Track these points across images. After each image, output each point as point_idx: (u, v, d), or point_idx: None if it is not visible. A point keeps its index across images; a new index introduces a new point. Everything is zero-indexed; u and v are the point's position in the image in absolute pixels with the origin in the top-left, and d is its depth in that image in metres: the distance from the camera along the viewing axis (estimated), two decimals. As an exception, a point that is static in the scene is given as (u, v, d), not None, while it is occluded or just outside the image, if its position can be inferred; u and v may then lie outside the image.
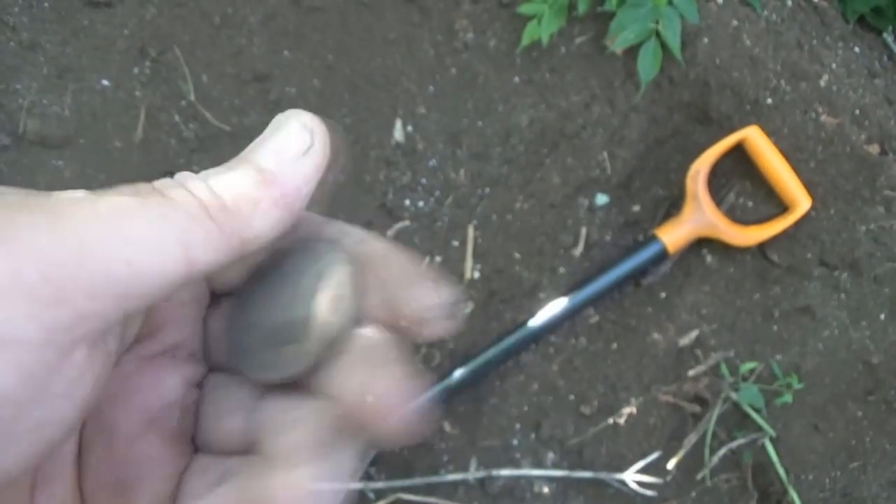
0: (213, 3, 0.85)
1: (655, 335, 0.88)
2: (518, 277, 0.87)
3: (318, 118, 0.26)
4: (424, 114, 0.87)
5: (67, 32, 0.83)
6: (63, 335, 0.20)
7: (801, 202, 0.82)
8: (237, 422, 0.25)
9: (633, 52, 0.82)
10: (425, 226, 0.87)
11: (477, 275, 0.87)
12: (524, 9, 0.83)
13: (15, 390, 0.19)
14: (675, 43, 0.79)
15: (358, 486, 0.83)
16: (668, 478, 0.86)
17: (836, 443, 0.87)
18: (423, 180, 0.87)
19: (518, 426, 0.87)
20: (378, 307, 0.25)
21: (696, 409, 0.87)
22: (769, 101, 0.84)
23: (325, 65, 0.86)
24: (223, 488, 0.23)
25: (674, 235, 0.83)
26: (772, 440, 0.86)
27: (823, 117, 0.84)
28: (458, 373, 0.81)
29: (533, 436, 0.87)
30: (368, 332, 0.25)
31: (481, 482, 0.86)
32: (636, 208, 0.89)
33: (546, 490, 0.86)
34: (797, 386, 0.85)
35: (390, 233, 0.86)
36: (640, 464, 0.85)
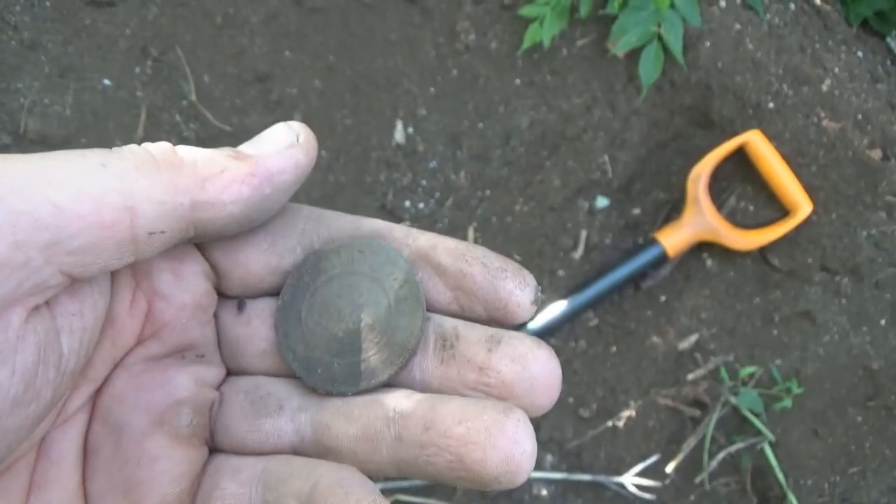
0: (215, 4, 0.85)
1: (655, 339, 0.88)
2: (518, 280, 0.87)
3: (307, 127, 0.26)
4: (425, 115, 0.87)
5: (69, 32, 0.84)
6: None
7: (803, 207, 0.82)
8: (280, 424, 0.25)
9: (634, 55, 0.82)
10: (425, 227, 0.87)
11: (477, 277, 0.87)
12: (526, 11, 0.82)
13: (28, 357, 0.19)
14: (676, 46, 0.79)
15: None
16: (667, 481, 0.86)
17: (836, 448, 0.87)
18: (424, 182, 0.87)
19: (517, 428, 0.87)
20: (452, 301, 0.25)
21: (696, 412, 0.87)
22: (771, 105, 0.84)
23: (326, 65, 0.86)
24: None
25: (674, 239, 0.83)
26: (771, 444, 0.85)
27: (825, 122, 0.84)
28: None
29: (531, 438, 0.87)
30: (450, 324, 0.25)
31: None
32: (636, 211, 0.88)
33: (544, 492, 0.86)
34: (797, 391, 0.85)
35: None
36: (639, 467, 0.85)
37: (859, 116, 0.84)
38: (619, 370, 0.88)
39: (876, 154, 0.84)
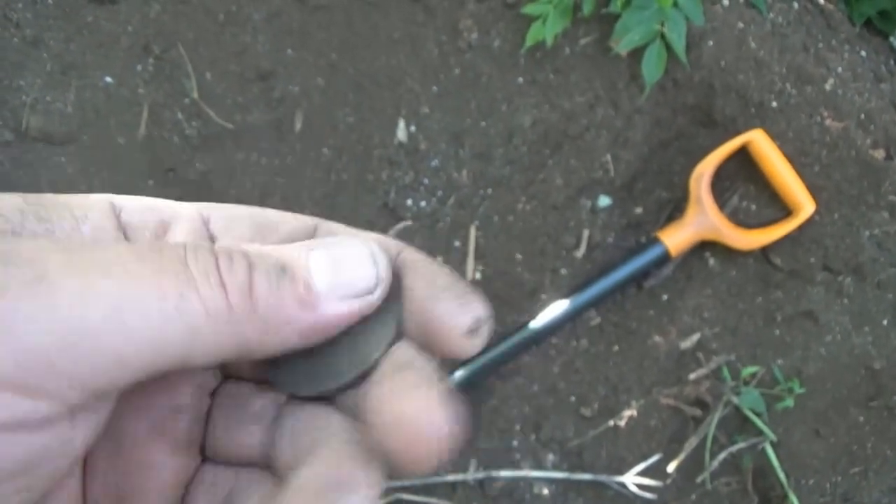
0: (217, 1, 0.85)
1: (657, 338, 0.88)
2: (520, 278, 0.87)
3: (386, 256, 0.23)
4: (428, 113, 0.87)
5: (71, 29, 0.83)
6: (44, 419, 0.18)
7: (805, 206, 0.82)
8: (253, 433, 0.24)
9: (637, 53, 0.82)
10: (427, 226, 0.87)
11: (478, 276, 0.87)
12: (529, 9, 0.82)
13: (14, 467, 0.18)
14: (680, 45, 0.79)
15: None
16: (668, 481, 0.86)
17: (838, 448, 0.87)
18: (426, 180, 0.87)
19: (518, 427, 0.87)
20: (410, 321, 0.23)
21: (697, 412, 0.87)
22: (774, 104, 0.83)
23: (328, 63, 0.86)
24: None
25: (676, 238, 0.83)
26: (772, 444, 0.85)
27: (829, 121, 0.83)
28: (459, 374, 0.81)
29: (533, 437, 0.87)
30: (405, 349, 0.22)
31: (481, 483, 0.86)
32: (639, 210, 0.88)
33: (546, 491, 0.86)
34: (799, 390, 0.85)
35: (392, 233, 0.86)
36: (641, 466, 0.85)
37: (862, 116, 0.84)
38: (621, 369, 0.88)
39: (879, 154, 0.84)
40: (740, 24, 0.83)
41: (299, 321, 0.21)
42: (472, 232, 0.87)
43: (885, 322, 0.87)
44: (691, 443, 0.86)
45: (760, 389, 0.85)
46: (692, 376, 0.87)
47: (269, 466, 0.23)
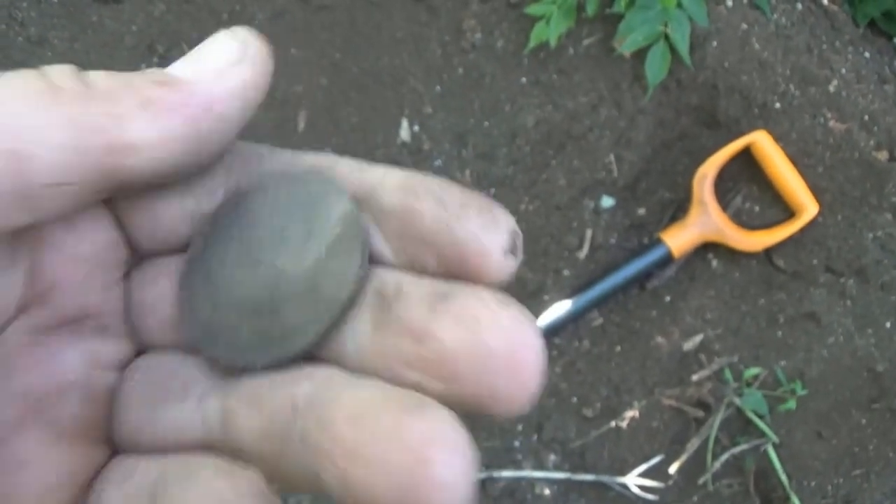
0: (221, 1, 0.85)
1: (659, 339, 0.88)
2: (522, 279, 0.87)
3: (258, 36, 0.20)
4: (431, 113, 0.87)
5: (76, 28, 0.84)
6: None
7: (808, 208, 0.82)
8: (184, 413, 0.19)
9: (641, 54, 0.82)
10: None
11: (481, 276, 0.87)
12: (532, 9, 0.82)
13: None
14: (683, 46, 0.79)
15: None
16: (670, 482, 0.86)
17: (840, 450, 0.87)
18: (429, 180, 0.87)
19: (520, 427, 0.87)
20: (398, 252, 0.19)
21: (700, 413, 0.87)
22: (777, 105, 0.83)
23: (332, 63, 0.86)
24: None
25: (679, 239, 0.83)
26: (775, 446, 0.85)
27: (832, 122, 0.83)
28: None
29: (535, 437, 0.87)
30: (393, 279, 0.18)
31: (482, 483, 0.86)
32: (642, 211, 0.88)
33: (547, 492, 0.86)
34: (801, 392, 0.85)
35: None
36: (643, 467, 0.85)
37: (866, 117, 0.84)
38: (624, 370, 0.87)
39: (882, 155, 0.84)
40: (744, 25, 0.83)
41: (164, 97, 0.18)
42: (475, 232, 0.87)
43: (887, 324, 0.86)
44: (693, 444, 0.86)
45: (763, 391, 0.85)
46: (694, 377, 0.87)
47: (213, 447, 0.18)
